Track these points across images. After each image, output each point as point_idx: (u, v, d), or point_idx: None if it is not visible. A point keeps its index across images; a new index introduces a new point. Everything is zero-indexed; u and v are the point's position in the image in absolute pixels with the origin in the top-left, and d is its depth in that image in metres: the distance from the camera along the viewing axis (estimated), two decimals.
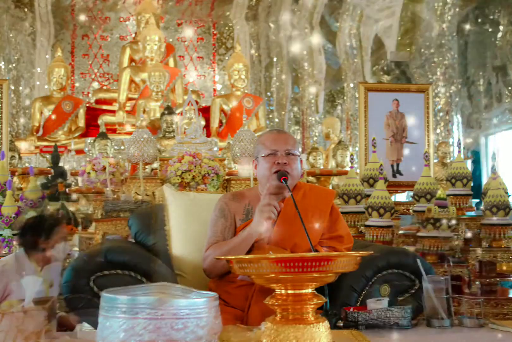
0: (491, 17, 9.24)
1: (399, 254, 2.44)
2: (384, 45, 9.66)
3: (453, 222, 3.60)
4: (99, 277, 2.22)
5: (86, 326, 2.04)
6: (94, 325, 1.79)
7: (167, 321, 1.31)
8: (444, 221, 3.55)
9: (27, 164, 7.96)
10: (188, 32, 11.34)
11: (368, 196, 3.83)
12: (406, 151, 4.61)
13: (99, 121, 9.13)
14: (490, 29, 9.18)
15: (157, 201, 3.90)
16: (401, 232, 4.03)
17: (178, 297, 1.40)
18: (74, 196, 6.17)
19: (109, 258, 2.27)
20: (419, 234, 3.69)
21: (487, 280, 3.73)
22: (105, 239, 3.76)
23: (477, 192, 4.85)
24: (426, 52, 8.98)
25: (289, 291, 1.58)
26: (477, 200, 6.10)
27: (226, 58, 11.58)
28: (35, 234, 3.25)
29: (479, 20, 9.37)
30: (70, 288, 2.18)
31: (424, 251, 3.60)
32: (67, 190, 6.30)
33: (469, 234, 3.85)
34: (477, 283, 3.63)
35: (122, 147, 8.44)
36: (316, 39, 10.58)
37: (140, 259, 2.35)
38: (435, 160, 7.00)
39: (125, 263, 2.29)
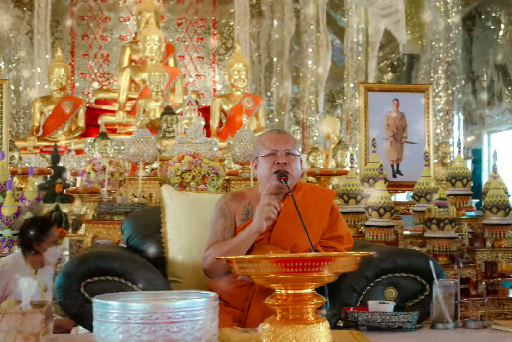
0: (493, 14, 9.26)
1: (409, 255, 2.36)
2: (396, 38, 9.63)
3: (456, 222, 3.59)
4: (90, 283, 2.19)
5: (82, 329, 2.05)
6: (90, 328, 1.79)
7: (161, 325, 1.30)
8: (447, 221, 3.54)
9: (27, 165, 7.96)
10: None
11: (368, 196, 3.83)
12: (406, 151, 4.60)
13: (99, 121, 9.13)
14: (492, 26, 9.20)
15: (153, 202, 3.88)
16: (406, 232, 4.01)
17: (174, 300, 1.40)
18: (70, 197, 6.15)
19: (99, 264, 2.22)
20: (426, 234, 3.66)
21: (491, 280, 3.73)
22: (95, 243, 3.69)
23: (477, 192, 4.85)
24: (437, 45, 8.98)
25: (289, 291, 1.58)
26: (477, 200, 6.10)
27: (226, 58, 11.58)
28: (29, 236, 3.26)
29: (483, 17, 9.39)
30: (62, 294, 2.16)
31: (434, 252, 3.57)
32: (64, 190, 6.29)
33: (470, 235, 3.84)
34: (483, 283, 3.63)
35: (122, 147, 8.43)
36: (324, 35, 10.54)
37: (130, 266, 2.28)
38: (435, 160, 7.00)
39: (114, 270, 2.23)
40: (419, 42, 9.33)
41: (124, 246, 2.67)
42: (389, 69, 10.48)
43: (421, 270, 2.28)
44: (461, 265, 3.46)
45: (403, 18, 9.20)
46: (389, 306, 2.03)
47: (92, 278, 2.21)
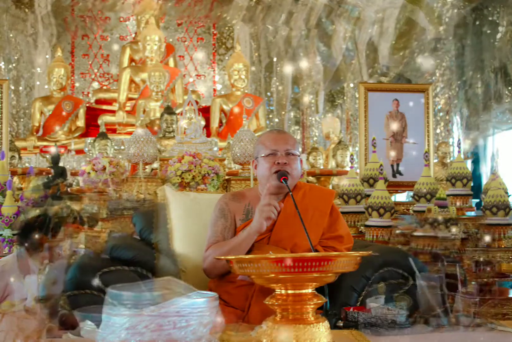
0: (490, 18, 9.23)
1: (392, 252, 2.50)
2: (377, 49, 9.67)
3: (451, 222, 3.60)
4: (105, 273, 2.24)
5: (89, 324, 2.04)
6: (97, 323, 1.80)
7: (170, 319, 1.31)
8: (442, 221, 3.55)
9: (27, 164, 7.96)
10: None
11: (368, 196, 3.84)
12: (406, 151, 4.61)
13: (99, 121, 9.13)
14: (488, 31, 9.18)
15: (159, 199, 3.93)
16: (397, 231, 4.04)
17: (181, 295, 1.40)
18: (77, 196, 6.17)
19: (115, 254, 2.33)
20: (414, 233, 3.69)
21: (485, 280, 3.73)
22: (111, 237, 3.79)
23: (477, 192, 4.86)
24: (420, 56, 8.98)
25: (289, 291, 1.58)
26: (477, 200, 6.10)
27: (226, 58, 11.58)
28: (39, 232, 3.25)
29: (477, 23, 9.37)
30: (74, 285, 2.18)
31: (417, 250, 3.60)
32: (68, 189, 6.30)
33: (464, 234, 3.85)
34: (473, 283, 3.63)
35: (122, 147, 8.43)
36: (311, 41, 10.59)
37: (145, 255, 2.41)
38: (435, 160, 7.00)
39: (130, 259, 2.34)
40: (401, 54, 9.32)
41: (138, 237, 2.78)
42: (377, 76, 10.47)
43: (403, 265, 2.39)
44: (445, 262, 3.49)
45: (392, 25, 9.18)
46: (381, 300, 2.11)
47: (109, 268, 2.26)
